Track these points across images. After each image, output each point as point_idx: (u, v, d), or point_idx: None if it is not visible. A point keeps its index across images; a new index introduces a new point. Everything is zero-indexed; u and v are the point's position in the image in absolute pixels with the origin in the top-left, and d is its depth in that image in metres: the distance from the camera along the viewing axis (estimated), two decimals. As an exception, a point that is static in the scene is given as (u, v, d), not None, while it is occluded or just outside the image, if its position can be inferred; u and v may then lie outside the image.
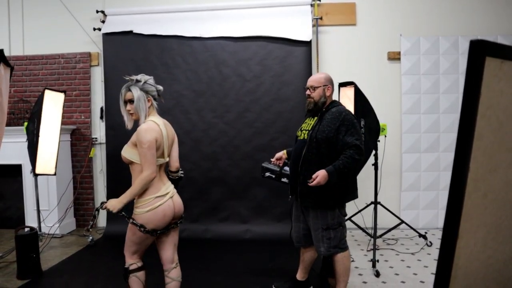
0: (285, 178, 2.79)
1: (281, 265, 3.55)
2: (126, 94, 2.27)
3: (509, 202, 0.83)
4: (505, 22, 4.63)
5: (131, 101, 2.25)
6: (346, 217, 4.19)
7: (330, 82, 2.64)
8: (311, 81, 2.66)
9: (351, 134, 2.43)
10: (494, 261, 0.84)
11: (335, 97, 2.77)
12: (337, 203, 2.59)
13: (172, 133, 2.39)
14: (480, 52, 0.67)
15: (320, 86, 2.60)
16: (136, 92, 2.23)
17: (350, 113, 2.57)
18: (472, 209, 0.74)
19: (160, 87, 2.36)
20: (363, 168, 3.56)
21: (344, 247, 2.66)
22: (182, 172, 2.52)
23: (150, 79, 2.32)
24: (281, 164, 2.84)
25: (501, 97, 0.73)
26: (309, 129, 2.60)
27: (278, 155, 2.88)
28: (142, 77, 2.28)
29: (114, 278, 3.20)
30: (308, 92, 2.66)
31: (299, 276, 2.96)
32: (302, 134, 2.66)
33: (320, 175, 2.37)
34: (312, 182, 2.38)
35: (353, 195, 2.76)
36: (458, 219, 0.71)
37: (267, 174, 2.84)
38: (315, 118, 2.63)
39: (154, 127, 2.21)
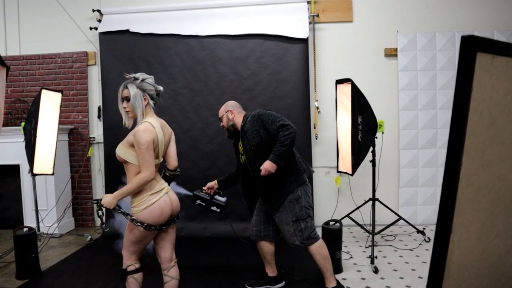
0: (215, 207, 2.92)
1: (280, 262, 3.55)
2: (123, 92, 2.26)
3: (503, 197, 0.83)
4: (501, 18, 4.63)
5: (127, 98, 2.25)
6: (344, 215, 4.24)
7: (232, 106, 2.92)
8: (218, 114, 2.97)
9: (272, 121, 2.64)
10: (488, 255, 0.85)
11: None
12: (295, 182, 2.74)
13: (168, 133, 2.39)
14: (471, 47, 0.67)
15: (223, 114, 2.91)
16: (132, 90, 2.23)
17: (260, 110, 2.79)
18: (465, 204, 0.74)
19: (160, 88, 2.35)
20: (361, 165, 3.58)
21: (316, 237, 2.80)
22: (178, 170, 2.52)
23: (149, 78, 2.31)
24: (211, 193, 2.95)
25: (493, 92, 0.74)
26: (243, 148, 2.80)
27: (209, 184, 2.99)
28: (140, 75, 2.27)
29: (114, 278, 3.21)
30: (220, 124, 2.98)
31: (269, 271, 3.06)
32: (242, 158, 2.86)
33: (265, 165, 2.57)
34: (262, 173, 2.56)
35: (306, 171, 2.85)
36: (452, 214, 0.72)
37: (198, 202, 2.94)
38: (241, 138, 2.82)
39: (151, 128, 2.20)
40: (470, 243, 0.78)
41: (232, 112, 2.89)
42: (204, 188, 2.99)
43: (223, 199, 2.95)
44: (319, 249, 2.79)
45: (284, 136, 2.57)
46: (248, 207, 3.06)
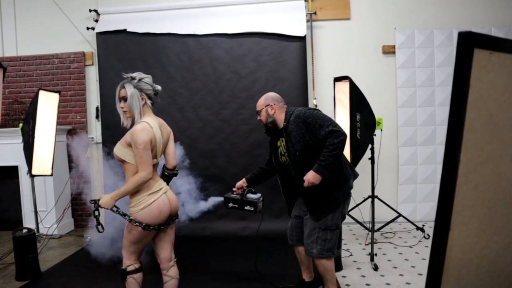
0: (248, 206, 2.77)
1: (279, 261, 3.56)
2: (120, 91, 2.26)
3: (501, 193, 0.83)
4: (499, 14, 4.63)
5: (124, 98, 2.24)
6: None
7: (271, 100, 2.62)
8: (256, 107, 2.69)
9: (320, 126, 2.37)
10: (487, 252, 0.85)
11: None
12: (342, 191, 2.49)
13: (167, 132, 2.38)
14: (469, 43, 0.67)
15: (262, 108, 2.62)
16: (129, 90, 2.22)
17: (306, 108, 2.54)
18: (464, 201, 0.74)
19: (158, 87, 2.34)
20: (360, 163, 3.57)
21: (335, 252, 2.57)
22: (177, 169, 2.51)
23: (147, 78, 2.29)
24: (242, 193, 2.82)
25: (491, 89, 0.73)
26: (285, 150, 2.55)
27: (238, 184, 2.86)
28: (138, 74, 2.26)
29: (113, 278, 3.20)
30: (258, 117, 2.69)
31: (305, 277, 2.88)
32: (284, 159, 2.61)
33: (309, 176, 2.36)
34: (305, 184, 2.37)
35: (351, 176, 2.61)
36: (450, 212, 0.72)
37: (230, 204, 2.83)
38: (283, 137, 2.57)
39: (148, 128, 2.19)
40: (469, 240, 0.78)
41: (273, 107, 2.59)
42: (234, 189, 2.86)
43: (255, 196, 2.78)
44: (331, 266, 2.58)
45: (333, 145, 2.31)
46: (288, 207, 2.81)
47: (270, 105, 2.59)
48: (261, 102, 2.64)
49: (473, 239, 0.80)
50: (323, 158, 2.33)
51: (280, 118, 2.58)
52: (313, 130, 2.39)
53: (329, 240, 2.50)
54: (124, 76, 2.26)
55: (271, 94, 2.67)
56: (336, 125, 2.37)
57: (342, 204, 2.52)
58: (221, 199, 2.92)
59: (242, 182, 2.86)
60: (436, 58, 4.61)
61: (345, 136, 2.35)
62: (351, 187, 2.55)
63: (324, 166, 2.33)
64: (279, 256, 3.66)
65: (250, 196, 2.79)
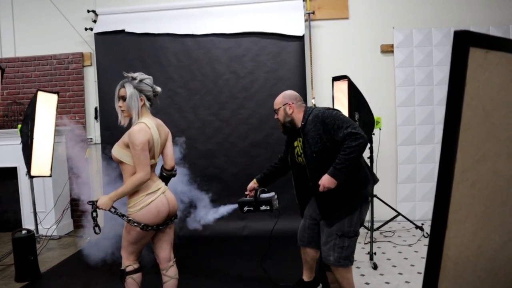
0: (264, 206, 2.69)
1: (278, 261, 3.56)
2: (119, 90, 2.25)
3: (498, 191, 0.83)
4: (497, 13, 4.64)
5: (123, 98, 2.23)
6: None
7: (289, 98, 2.52)
8: (274, 105, 2.59)
9: (338, 127, 2.27)
10: (484, 250, 0.85)
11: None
12: (359, 197, 2.41)
13: (165, 133, 2.38)
14: (464, 42, 0.67)
15: (280, 107, 2.52)
16: (129, 90, 2.21)
17: (325, 108, 2.43)
18: (461, 199, 0.74)
19: (158, 89, 2.34)
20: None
21: (352, 260, 2.46)
22: (175, 170, 2.51)
23: (148, 79, 2.29)
24: (254, 194, 2.74)
25: (487, 87, 0.74)
26: (302, 151, 2.47)
27: (249, 186, 2.78)
28: (139, 75, 2.26)
29: (113, 279, 3.20)
30: (275, 116, 2.59)
31: (306, 277, 2.82)
32: (301, 159, 2.52)
33: (323, 180, 2.27)
34: (320, 188, 2.29)
35: (370, 182, 2.50)
36: (447, 210, 0.72)
37: (245, 208, 2.74)
38: (300, 137, 2.48)
39: (146, 129, 2.19)
40: (466, 238, 0.78)
41: (291, 106, 2.48)
42: (246, 192, 2.78)
43: (269, 194, 2.70)
44: (349, 274, 2.47)
45: (351, 148, 2.19)
46: (300, 207, 2.73)
47: (289, 103, 2.49)
48: (279, 101, 2.55)
49: (470, 238, 0.80)
50: (339, 161, 2.23)
51: (298, 118, 2.48)
52: (331, 131, 2.29)
53: (346, 247, 2.39)
54: (125, 75, 2.26)
55: (290, 92, 2.58)
56: (356, 127, 2.26)
57: (359, 209, 2.41)
58: (234, 206, 2.85)
59: (253, 184, 2.77)
60: (434, 57, 4.62)
61: (365, 139, 2.23)
62: (370, 193, 2.43)
63: (339, 170, 2.23)
64: (279, 256, 3.66)
65: (264, 196, 2.70)
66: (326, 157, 2.31)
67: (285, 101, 2.51)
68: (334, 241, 2.39)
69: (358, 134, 2.21)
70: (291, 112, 2.48)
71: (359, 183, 2.38)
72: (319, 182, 2.29)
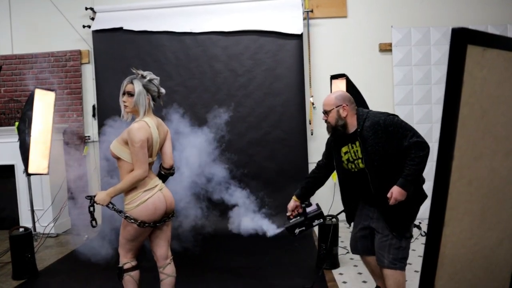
0: (316, 220, 2.48)
1: (277, 259, 3.56)
2: (126, 86, 2.25)
3: (495, 189, 0.84)
4: (495, 12, 4.65)
5: (129, 93, 2.23)
6: (340, 210, 4.24)
7: (344, 100, 2.29)
8: (323, 105, 2.38)
9: (403, 136, 2.17)
10: (480, 248, 0.85)
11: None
12: (420, 201, 2.31)
13: (164, 132, 2.38)
14: (462, 40, 0.67)
15: (333, 109, 2.29)
16: (138, 87, 2.21)
17: (385, 114, 2.27)
18: (458, 197, 0.74)
19: (163, 90, 2.36)
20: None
21: (406, 263, 2.30)
22: (174, 169, 2.51)
23: (156, 80, 2.31)
24: (300, 211, 2.53)
25: (484, 85, 0.74)
26: (357, 157, 2.30)
27: (290, 206, 2.55)
28: (149, 74, 2.27)
29: (110, 277, 3.20)
30: (323, 117, 2.38)
31: (381, 284, 2.58)
32: (352, 166, 2.34)
33: (395, 192, 2.15)
34: (391, 202, 2.17)
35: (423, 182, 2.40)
36: (444, 208, 0.72)
37: (297, 230, 2.48)
38: (354, 143, 2.30)
39: (145, 127, 2.19)
40: (463, 236, 0.79)
41: (345, 109, 2.27)
42: (288, 214, 2.56)
43: (315, 207, 2.51)
44: (401, 278, 2.29)
45: (419, 158, 2.11)
46: (346, 213, 2.55)
47: (343, 106, 2.27)
48: (331, 102, 2.31)
49: (466, 235, 0.80)
50: (409, 172, 2.12)
51: (352, 122, 2.29)
52: (395, 140, 2.18)
53: (403, 248, 2.25)
54: (134, 71, 2.26)
55: (343, 94, 2.36)
56: (420, 136, 2.19)
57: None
58: (278, 231, 2.68)
59: (294, 202, 2.54)
60: (432, 56, 4.62)
61: (429, 148, 2.15)
62: (425, 197, 2.34)
63: (410, 181, 2.13)
64: (278, 254, 3.66)
65: (311, 210, 2.50)
66: (387, 164, 2.21)
67: (338, 102, 2.29)
68: (390, 241, 2.25)
69: (424, 143, 2.16)
70: (345, 115, 2.28)
71: (421, 189, 2.30)
72: (388, 196, 2.16)
